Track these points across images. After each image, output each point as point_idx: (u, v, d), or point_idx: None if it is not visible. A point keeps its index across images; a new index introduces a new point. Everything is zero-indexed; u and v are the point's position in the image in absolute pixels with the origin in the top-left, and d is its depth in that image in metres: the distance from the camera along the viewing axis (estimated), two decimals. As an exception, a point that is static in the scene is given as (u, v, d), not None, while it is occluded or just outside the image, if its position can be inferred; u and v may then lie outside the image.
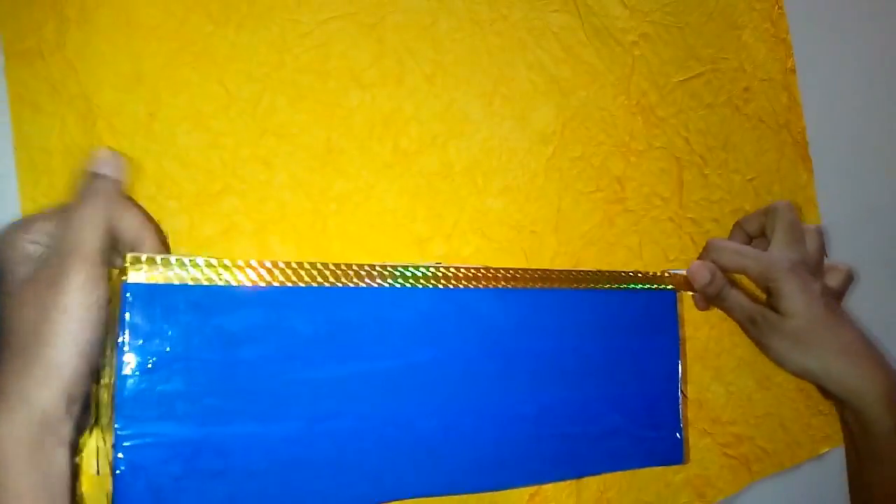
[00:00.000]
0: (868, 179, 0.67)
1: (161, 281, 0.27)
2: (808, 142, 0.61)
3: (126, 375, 0.26)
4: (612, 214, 0.51)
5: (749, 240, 0.48)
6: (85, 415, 0.27)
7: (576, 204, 0.50)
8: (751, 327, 0.44)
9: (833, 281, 0.45)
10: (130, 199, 0.32)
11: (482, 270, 0.29)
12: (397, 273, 0.28)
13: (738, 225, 0.49)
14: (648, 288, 0.34)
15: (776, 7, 0.62)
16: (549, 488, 0.44)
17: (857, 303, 0.49)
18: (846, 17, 0.66)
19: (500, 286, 0.28)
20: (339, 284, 0.27)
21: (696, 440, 0.54)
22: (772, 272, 0.43)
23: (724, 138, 0.57)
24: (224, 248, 0.39)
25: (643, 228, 0.52)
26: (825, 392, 0.44)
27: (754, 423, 0.57)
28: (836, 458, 0.60)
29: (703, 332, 0.55)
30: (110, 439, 0.26)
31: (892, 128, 0.67)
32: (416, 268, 0.29)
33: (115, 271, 0.29)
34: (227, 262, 0.28)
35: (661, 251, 0.53)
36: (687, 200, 0.55)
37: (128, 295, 0.26)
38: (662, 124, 0.54)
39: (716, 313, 0.47)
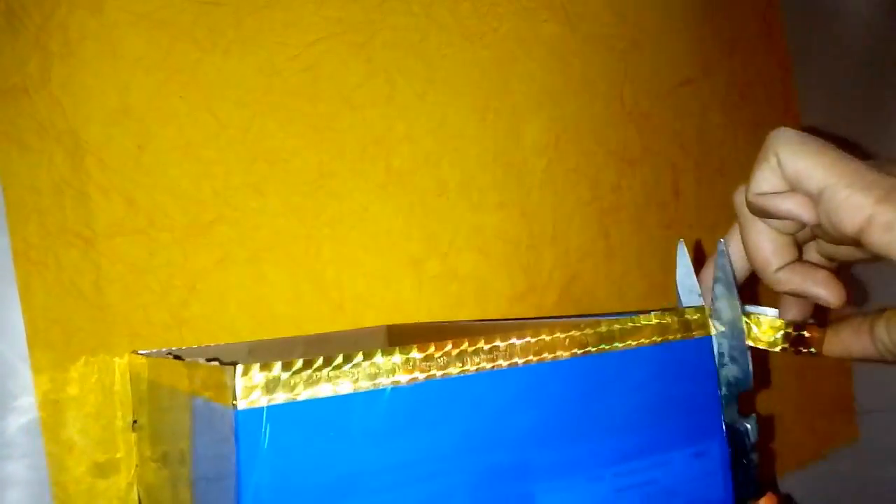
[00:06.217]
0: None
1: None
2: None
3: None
4: (608, 225, 0.51)
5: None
6: None
7: (572, 216, 0.50)
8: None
9: None
10: None
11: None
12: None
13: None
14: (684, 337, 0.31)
15: (770, 4, 0.61)
16: None
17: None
18: (845, 9, 0.66)
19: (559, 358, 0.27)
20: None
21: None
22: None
23: (718, 142, 0.57)
24: (219, 278, 0.39)
25: (640, 238, 0.52)
26: None
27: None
28: (840, 459, 0.60)
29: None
30: None
31: (893, 125, 0.66)
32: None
33: None
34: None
35: (659, 260, 0.52)
36: (683, 207, 0.54)
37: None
38: (657, 131, 0.54)
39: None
